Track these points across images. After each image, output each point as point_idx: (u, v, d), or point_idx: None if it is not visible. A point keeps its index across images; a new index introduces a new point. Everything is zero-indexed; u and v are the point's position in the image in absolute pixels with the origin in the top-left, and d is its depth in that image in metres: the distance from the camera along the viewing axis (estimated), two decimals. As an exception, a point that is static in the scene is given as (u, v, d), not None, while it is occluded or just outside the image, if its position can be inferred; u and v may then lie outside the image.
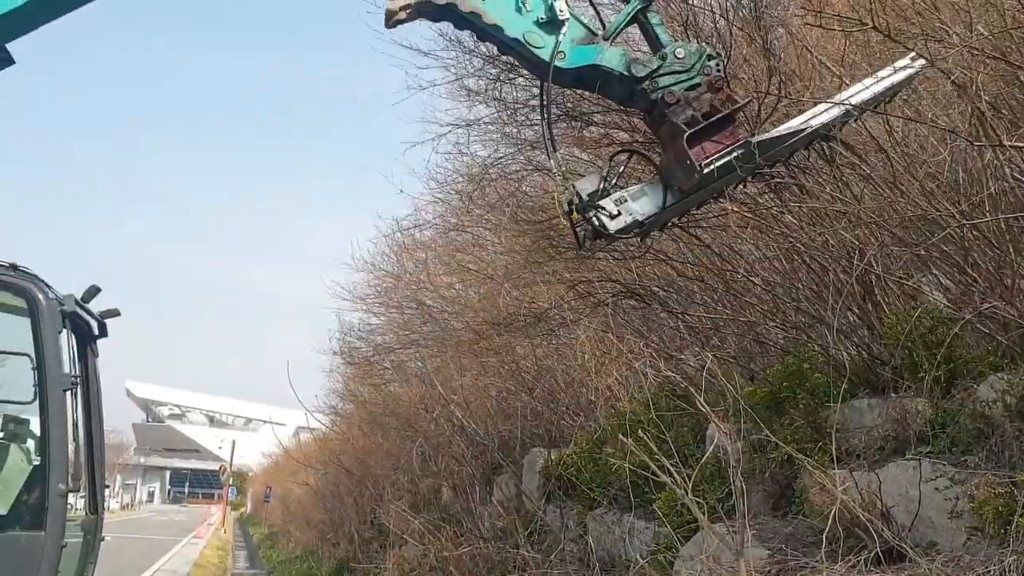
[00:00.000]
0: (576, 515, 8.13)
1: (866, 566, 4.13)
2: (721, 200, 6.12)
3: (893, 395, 5.29)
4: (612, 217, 5.01)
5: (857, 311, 6.11)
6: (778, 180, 6.48)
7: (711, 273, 7.74)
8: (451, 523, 10.92)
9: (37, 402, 5.83)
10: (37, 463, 5.93)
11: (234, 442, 54.60)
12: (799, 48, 6.90)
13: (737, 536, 4.38)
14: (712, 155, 4.90)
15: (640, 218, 5.08)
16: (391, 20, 5.15)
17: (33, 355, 5.78)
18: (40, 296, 5.87)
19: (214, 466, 66.27)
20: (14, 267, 5.97)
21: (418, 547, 11.38)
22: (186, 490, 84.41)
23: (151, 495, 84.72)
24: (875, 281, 5.84)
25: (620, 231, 5.08)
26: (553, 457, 9.24)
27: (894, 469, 4.69)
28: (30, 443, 6.07)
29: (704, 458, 5.52)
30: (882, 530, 4.24)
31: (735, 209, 6.85)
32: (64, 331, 5.95)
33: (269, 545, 33.41)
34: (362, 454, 18.00)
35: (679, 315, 8.47)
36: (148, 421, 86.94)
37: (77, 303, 6.15)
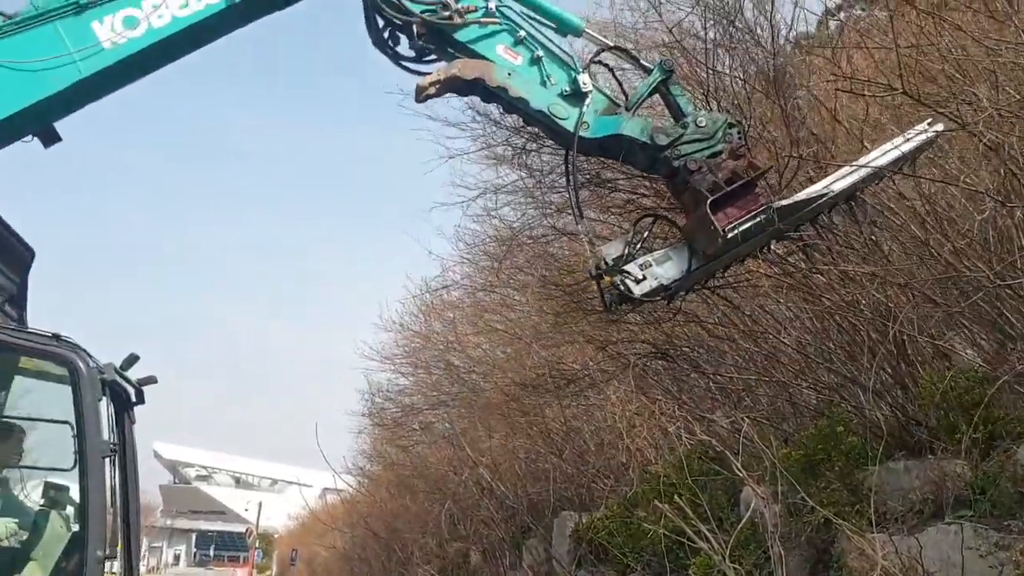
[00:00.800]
0: (608, 581, 8.01)
1: (909, 634, 4.04)
2: (748, 261, 6.15)
3: (930, 457, 5.22)
4: (638, 281, 5.10)
5: (890, 371, 6.06)
6: (807, 242, 6.49)
7: (741, 333, 7.72)
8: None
9: (76, 469, 5.90)
10: (76, 530, 6.00)
11: (260, 504, 54.33)
12: (821, 111, 7.00)
13: (776, 603, 4.30)
14: (735, 220, 4.98)
15: (665, 282, 5.16)
16: (421, 95, 5.30)
17: (74, 423, 5.88)
18: (81, 365, 5.97)
19: (240, 528, 65.85)
20: (57, 337, 6.10)
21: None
22: (212, 552, 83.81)
23: (177, 558, 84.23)
24: (908, 341, 5.80)
25: (646, 295, 5.15)
26: (584, 521, 9.14)
27: (934, 533, 4.61)
28: (69, 510, 6.15)
29: (741, 523, 5.44)
30: (925, 597, 4.16)
31: (764, 271, 6.88)
32: (104, 399, 6.05)
33: (295, 609, 32.99)
34: (389, 516, 17.87)
35: (710, 376, 8.42)
36: (175, 482, 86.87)
37: (116, 371, 6.27)
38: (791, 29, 8.40)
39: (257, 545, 50.30)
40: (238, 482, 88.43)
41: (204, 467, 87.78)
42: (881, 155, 5.18)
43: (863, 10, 9.40)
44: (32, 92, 5.02)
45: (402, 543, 16.22)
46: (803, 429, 6.68)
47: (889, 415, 5.83)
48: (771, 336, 7.22)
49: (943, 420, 5.24)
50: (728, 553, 4.57)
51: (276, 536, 65.12)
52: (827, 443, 5.72)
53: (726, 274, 6.54)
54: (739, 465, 4.69)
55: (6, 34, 5.00)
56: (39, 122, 5.23)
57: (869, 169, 5.14)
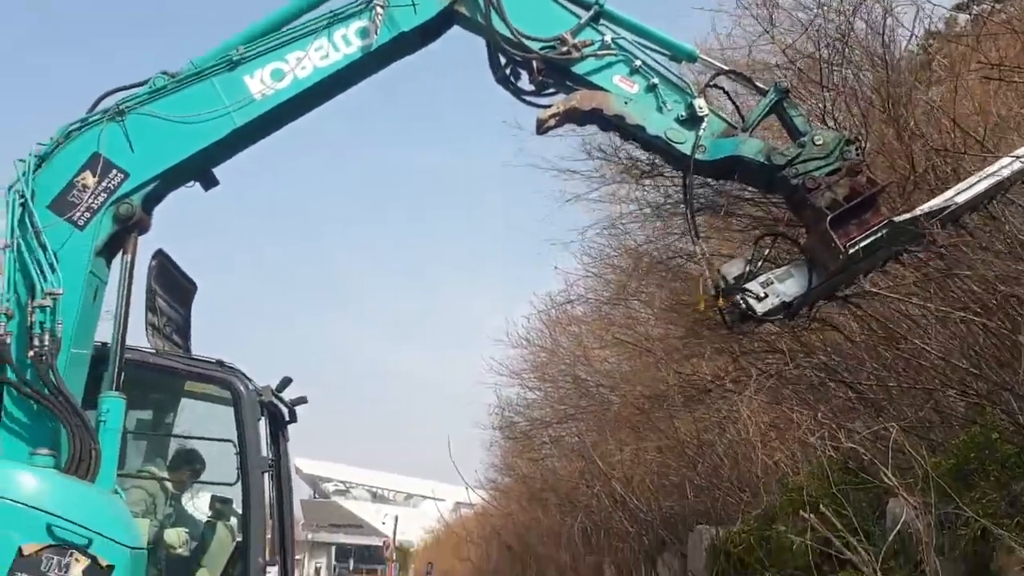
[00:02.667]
0: (749, 596, 7.83)
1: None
2: (889, 266, 6.02)
3: (1096, 466, 4.90)
4: (759, 299, 5.17)
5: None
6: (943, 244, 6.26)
7: (881, 340, 7.44)
8: (617, 602, 10.74)
9: (239, 484, 6.48)
10: (239, 539, 6.55)
11: (396, 518, 55.51)
12: (942, 122, 6.78)
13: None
14: (856, 236, 5.04)
15: (787, 299, 5.22)
16: (542, 128, 5.48)
17: (236, 441, 6.44)
18: (242, 388, 6.55)
19: (377, 541, 67.42)
20: (220, 363, 6.68)
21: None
22: (351, 565, 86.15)
23: (318, 571, 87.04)
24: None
25: (767, 313, 5.23)
26: (720, 534, 8.97)
27: (1105, 546, 4.33)
28: (233, 520, 6.72)
29: (891, 535, 5.24)
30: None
31: (904, 274, 6.62)
32: (262, 419, 6.65)
33: (432, 621, 33.56)
34: (522, 529, 18.01)
35: (849, 385, 8.14)
36: (315, 497, 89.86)
37: (273, 393, 6.82)
38: (911, 37, 8.23)
39: (394, 558, 51.41)
40: (374, 496, 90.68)
41: (342, 482, 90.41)
42: (1010, 163, 5.09)
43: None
44: (194, 143, 5.51)
45: (535, 556, 16.31)
46: (952, 438, 6.38)
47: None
48: (913, 342, 6.93)
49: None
50: (879, 566, 4.41)
51: (412, 549, 66.46)
52: (980, 451, 5.45)
53: (864, 279, 6.41)
54: (889, 473, 4.52)
55: (171, 92, 5.49)
56: (200, 168, 5.72)
57: (994, 180, 5.08)
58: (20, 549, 4.87)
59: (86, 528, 4.98)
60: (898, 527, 5.22)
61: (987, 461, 5.44)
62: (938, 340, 6.78)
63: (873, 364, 7.84)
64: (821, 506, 4.92)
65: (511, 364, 19.11)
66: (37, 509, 4.97)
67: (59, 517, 4.95)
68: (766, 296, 5.19)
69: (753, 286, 5.19)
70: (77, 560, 4.91)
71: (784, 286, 5.25)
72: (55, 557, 4.88)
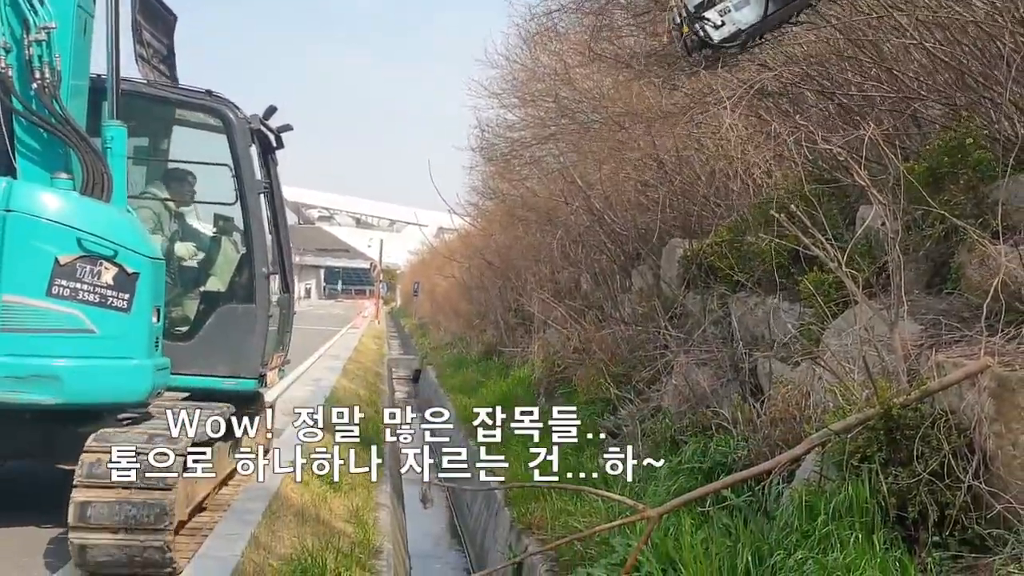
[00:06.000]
0: (717, 298, 8.20)
1: (1027, 337, 4.05)
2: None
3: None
4: (717, 27, 5.38)
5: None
6: None
7: (864, 51, 7.24)
8: (593, 309, 11.25)
9: (238, 203, 7.05)
10: (243, 252, 7.20)
11: (382, 241, 56.95)
12: None
13: (891, 309, 4.34)
14: None
15: (743, 27, 5.45)
16: None
17: (232, 165, 6.94)
18: (232, 116, 6.97)
19: (364, 264, 69.69)
20: (209, 93, 7.04)
21: (561, 332, 11.86)
22: (339, 287, 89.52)
23: (308, 291, 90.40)
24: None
25: (724, 40, 5.45)
26: (693, 246, 9.24)
27: (1062, 244, 4.48)
28: (236, 236, 7.33)
29: (858, 234, 5.40)
30: (1046, 302, 4.11)
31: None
32: (253, 145, 7.09)
33: (420, 334, 35.46)
34: (503, 248, 18.51)
35: (829, 96, 8.03)
36: (299, 223, 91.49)
37: (260, 121, 7.22)
38: None
39: (381, 279, 53.34)
40: (358, 222, 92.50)
41: (325, 208, 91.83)
42: None
43: None
44: None
45: (516, 271, 16.89)
46: (927, 144, 6.41)
47: (1022, 128, 5.50)
48: (897, 50, 6.76)
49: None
50: (844, 263, 4.58)
51: (398, 271, 68.79)
52: (953, 156, 5.49)
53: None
54: (860, 172, 4.57)
55: None
56: None
57: None
58: (57, 260, 5.43)
59: (111, 241, 5.55)
60: (865, 225, 5.37)
61: (959, 166, 5.49)
62: (922, 50, 6.62)
63: (855, 75, 7.71)
64: (793, 207, 5.02)
65: (491, 84, 18.69)
66: (67, 225, 5.50)
67: (87, 232, 5.50)
68: (723, 24, 5.39)
69: (711, 14, 5.39)
70: (107, 268, 5.49)
71: (741, 14, 5.46)
72: (88, 266, 5.46)
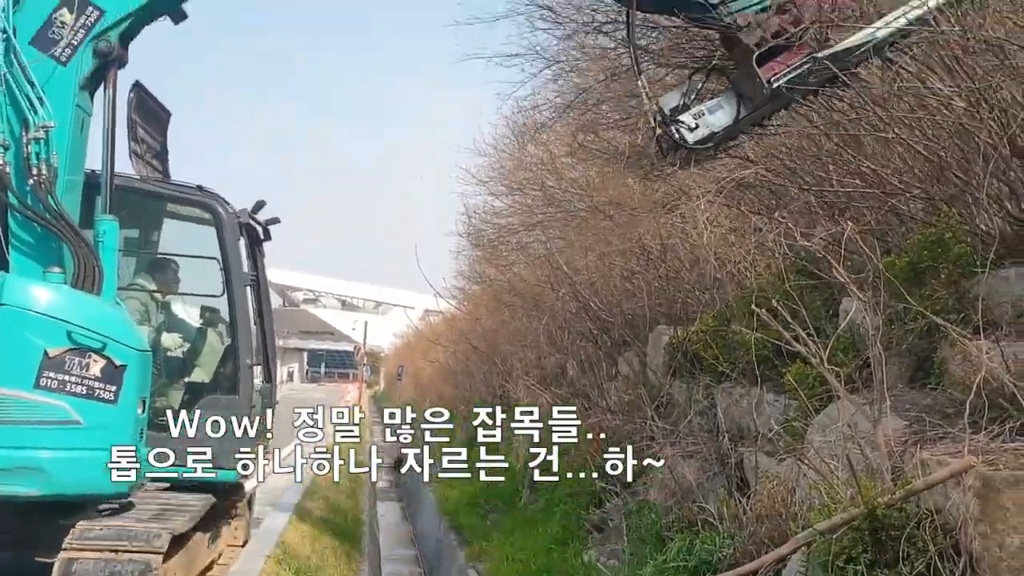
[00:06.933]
0: (703, 389, 8.20)
1: (1011, 436, 4.04)
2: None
3: (1045, 264, 5.04)
4: (691, 130, 5.61)
5: (1005, 178, 5.77)
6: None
7: (846, 146, 7.41)
8: (578, 397, 11.20)
9: (225, 296, 7.25)
10: (228, 343, 7.39)
11: (366, 324, 56.83)
12: None
13: (874, 405, 4.34)
14: (780, 72, 5.49)
15: (716, 130, 5.69)
16: None
17: (220, 259, 7.18)
18: (222, 211, 7.21)
19: (348, 347, 69.36)
20: (200, 188, 7.29)
21: (546, 420, 11.76)
22: (322, 370, 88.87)
23: (290, 375, 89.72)
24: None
25: (698, 142, 5.67)
26: (679, 333, 9.28)
27: (1043, 340, 4.51)
28: (221, 327, 7.51)
29: (839, 328, 5.44)
30: (1028, 400, 4.12)
31: (867, 78, 6.52)
32: (241, 238, 7.37)
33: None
34: (488, 332, 18.52)
35: (810, 190, 8.19)
36: (284, 306, 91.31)
37: (249, 215, 7.49)
38: None
39: (365, 362, 53.05)
40: (344, 304, 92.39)
41: (311, 291, 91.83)
42: (921, 3, 5.34)
43: None
44: None
45: (502, 356, 16.85)
46: (909, 239, 6.51)
47: (1001, 222, 5.61)
48: (877, 143, 6.92)
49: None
50: (826, 358, 4.59)
51: (382, 354, 68.47)
52: (934, 250, 5.57)
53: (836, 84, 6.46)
54: (840, 270, 4.63)
55: None
56: (171, 4, 6.04)
57: (916, 13, 5.38)
58: (46, 352, 5.54)
59: (100, 333, 5.65)
60: (848, 318, 5.41)
61: (940, 260, 5.56)
62: (903, 144, 6.78)
63: (836, 169, 7.87)
64: (775, 302, 5.06)
65: (479, 173, 19.01)
66: (57, 318, 5.63)
67: (76, 325, 5.61)
68: (697, 127, 5.62)
69: (686, 117, 5.61)
70: (95, 360, 5.59)
71: (714, 117, 5.67)
72: (76, 358, 5.55)
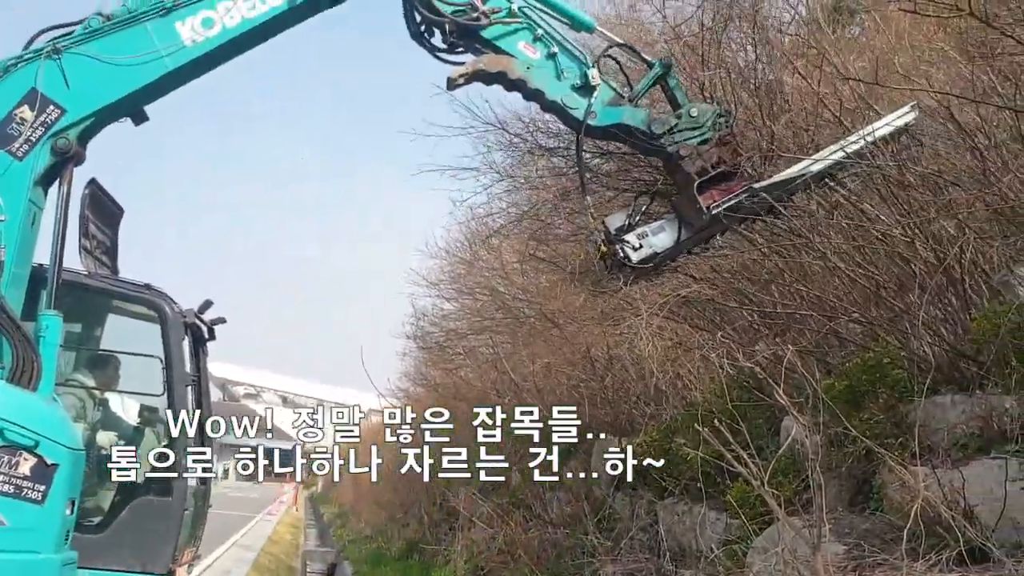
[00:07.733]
0: (646, 504, 8.13)
1: (948, 565, 4.06)
2: (796, 197, 6.43)
3: (979, 392, 5.17)
4: (635, 249, 5.94)
5: (941, 306, 5.96)
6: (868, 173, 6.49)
7: (787, 267, 7.63)
8: (520, 508, 11.02)
9: (165, 395, 7.07)
10: (165, 443, 7.02)
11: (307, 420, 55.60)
12: (805, 100, 7.52)
13: (814, 529, 4.35)
14: (718, 200, 5.82)
15: (659, 250, 6.01)
16: (452, 85, 6.09)
17: (163, 357, 7.04)
18: (168, 310, 7.16)
19: (287, 445, 67.71)
20: (148, 287, 7.27)
21: (487, 530, 11.52)
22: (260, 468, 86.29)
23: (226, 472, 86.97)
24: (961, 274, 5.69)
25: (641, 261, 6.00)
26: (623, 444, 9.22)
27: (979, 467, 4.58)
28: (159, 427, 7.29)
29: (780, 450, 5.48)
30: (965, 529, 4.16)
31: (817, 205, 6.79)
32: (186, 338, 7.26)
33: (340, 524, 34.06)
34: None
35: (754, 308, 8.36)
36: (224, 400, 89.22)
37: (195, 315, 7.45)
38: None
39: (304, 461, 51.67)
40: (285, 401, 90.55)
41: (252, 385, 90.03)
42: (858, 139, 5.81)
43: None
44: (128, 83, 5.80)
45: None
46: (848, 361, 6.64)
47: (937, 350, 5.76)
48: (819, 267, 7.13)
49: (994, 355, 5.16)
50: (767, 479, 4.61)
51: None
52: (872, 375, 5.70)
53: (783, 207, 6.74)
54: (781, 392, 4.70)
55: (106, 33, 5.78)
56: (133, 106, 6.01)
57: (850, 149, 5.80)
58: None
59: (32, 431, 5.37)
60: (789, 439, 5.46)
61: (878, 384, 5.68)
62: (842, 268, 7.00)
63: (778, 289, 8.07)
64: (716, 421, 5.09)
65: (430, 275, 19.09)
66: None
67: (8, 421, 5.31)
68: (641, 247, 5.93)
69: (630, 237, 5.93)
70: (25, 459, 5.31)
71: (657, 239, 5.98)
72: (5, 456, 5.27)
